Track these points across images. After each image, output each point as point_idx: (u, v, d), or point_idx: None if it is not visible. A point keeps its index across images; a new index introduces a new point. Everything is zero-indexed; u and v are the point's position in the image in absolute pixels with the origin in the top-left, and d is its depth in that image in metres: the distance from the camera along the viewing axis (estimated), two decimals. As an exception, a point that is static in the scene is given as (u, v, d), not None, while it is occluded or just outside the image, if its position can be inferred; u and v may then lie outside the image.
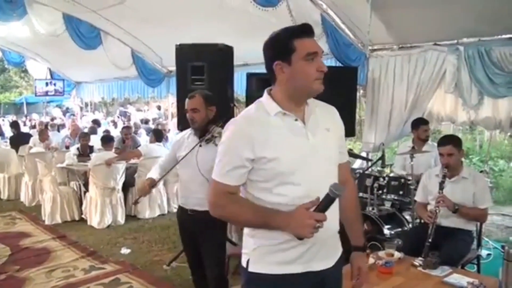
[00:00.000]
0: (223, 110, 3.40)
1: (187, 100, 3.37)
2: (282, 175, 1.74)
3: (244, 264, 1.88)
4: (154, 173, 3.56)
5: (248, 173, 1.79)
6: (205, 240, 3.34)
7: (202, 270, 3.39)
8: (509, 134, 9.33)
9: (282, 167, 1.73)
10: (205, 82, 4.55)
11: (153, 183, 3.46)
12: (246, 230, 1.89)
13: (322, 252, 1.84)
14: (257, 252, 1.83)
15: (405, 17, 5.33)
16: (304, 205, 1.66)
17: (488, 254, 4.99)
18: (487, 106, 5.12)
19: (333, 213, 1.82)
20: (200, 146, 3.23)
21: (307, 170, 1.76)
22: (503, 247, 5.14)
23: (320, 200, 1.64)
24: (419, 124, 5.39)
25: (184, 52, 4.73)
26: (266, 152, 1.73)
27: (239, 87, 6.48)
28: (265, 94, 1.86)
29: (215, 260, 3.38)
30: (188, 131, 3.46)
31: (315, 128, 1.83)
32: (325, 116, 1.91)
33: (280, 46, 1.77)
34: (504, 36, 4.82)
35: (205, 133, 3.23)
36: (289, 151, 1.74)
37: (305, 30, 1.77)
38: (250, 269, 1.85)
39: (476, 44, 5.01)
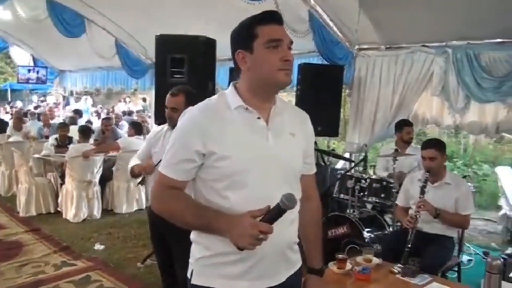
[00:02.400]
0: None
1: (168, 96, 3.24)
2: (233, 176, 1.57)
3: (188, 274, 1.73)
4: (135, 161, 3.47)
5: (199, 170, 1.63)
6: (176, 240, 3.22)
7: (173, 270, 3.26)
8: (494, 139, 9.32)
9: (234, 167, 1.56)
10: (185, 75, 4.39)
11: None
12: (192, 236, 1.73)
13: (274, 268, 1.66)
14: (200, 263, 1.68)
15: (394, 17, 5.21)
16: (250, 212, 1.47)
17: (469, 260, 4.94)
18: (473, 111, 5.02)
19: (289, 225, 1.67)
20: None
21: (262, 174, 1.58)
22: (485, 253, 5.14)
23: (270, 209, 1.46)
24: (403, 125, 5.31)
25: (165, 43, 4.56)
26: (218, 148, 1.56)
27: (223, 83, 6.33)
28: (230, 86, 1.71)
29: (187, 261, 3.26)
30: (165, 127, 3.34)
31: (279, 130, 1.66)
32: (293, 121, 1.75)
33: (242, 33, 1.64)
34: (493, 40, 4.72)
35: None
36: (243, 150, 1.57)
37: (271, 17, 1.63)
38: (193, 281, 1.69)
39: (465, 47, 4.91)
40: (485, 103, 4.89)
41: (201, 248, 1.68)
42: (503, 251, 5.17)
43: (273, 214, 1.45)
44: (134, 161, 3.47)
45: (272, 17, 1.63)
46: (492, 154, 10.56)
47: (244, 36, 1.63)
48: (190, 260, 1.73)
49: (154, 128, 3.76)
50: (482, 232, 6.37)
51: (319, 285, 1.91)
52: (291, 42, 1.64)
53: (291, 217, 1.68)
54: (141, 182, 3.74)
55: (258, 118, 1.64)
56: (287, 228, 1.68)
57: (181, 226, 1.65)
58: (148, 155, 3.39)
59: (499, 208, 6.87)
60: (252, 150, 1.59)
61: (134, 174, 3.47)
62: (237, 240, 1.46)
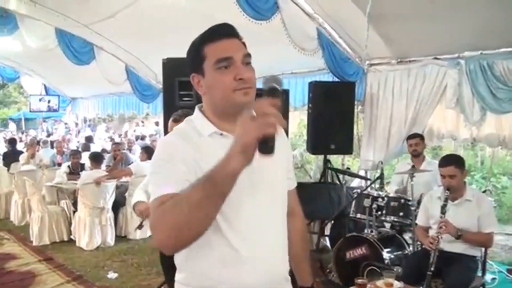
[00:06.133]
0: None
1: (171, 122, 3.13)
2: (223, 207, 1.36)
3: None
4: (141, 197, 3.31)
5: None
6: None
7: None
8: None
9: None
10: (194, 98, 4.33)
11: None
12: (177, 277, 1.58)
13: None
14: None
15: (404, 31, 5.14)
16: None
17: (493, 279, 4.72)
18: (490, 122, 4.88)
19: (281, 255, 1.58)
20: None
21: (251, 200, 1.46)
22: (509, 271, 4.91)
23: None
24: (407, 139, 5.25)
25: (172, 67, 4.53)
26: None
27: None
28: (196, 110, 1.56)
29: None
30: None
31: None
32: None
33: (192, 55, 1.49)
34: (507, 49, 4.58)
35: None
36: None
37: (218, 32, 1.45)
38: None
39: (478, 57, 4.79)
40: (501, 114, 4.75)
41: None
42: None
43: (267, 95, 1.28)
44: (138, 194, 3.29)
45: (220, 32, 1.45)
46: (510, 166, 10.32)
47: (194, 58, 1.48)
48: None
49: None
50: (505, 248, 6.14)
51: None
52: (247, 55, 1.46)
53: (285, 247, 1.61)
54: (139, 227, 3.58)
55: None
56: (285, 259, 1.60)
57: (198, 228, 1.32)
58: None
59: (520, 221, 6.68)
60: (238, 178, 1.34)
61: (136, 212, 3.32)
62: (252, 132, 1.21)
